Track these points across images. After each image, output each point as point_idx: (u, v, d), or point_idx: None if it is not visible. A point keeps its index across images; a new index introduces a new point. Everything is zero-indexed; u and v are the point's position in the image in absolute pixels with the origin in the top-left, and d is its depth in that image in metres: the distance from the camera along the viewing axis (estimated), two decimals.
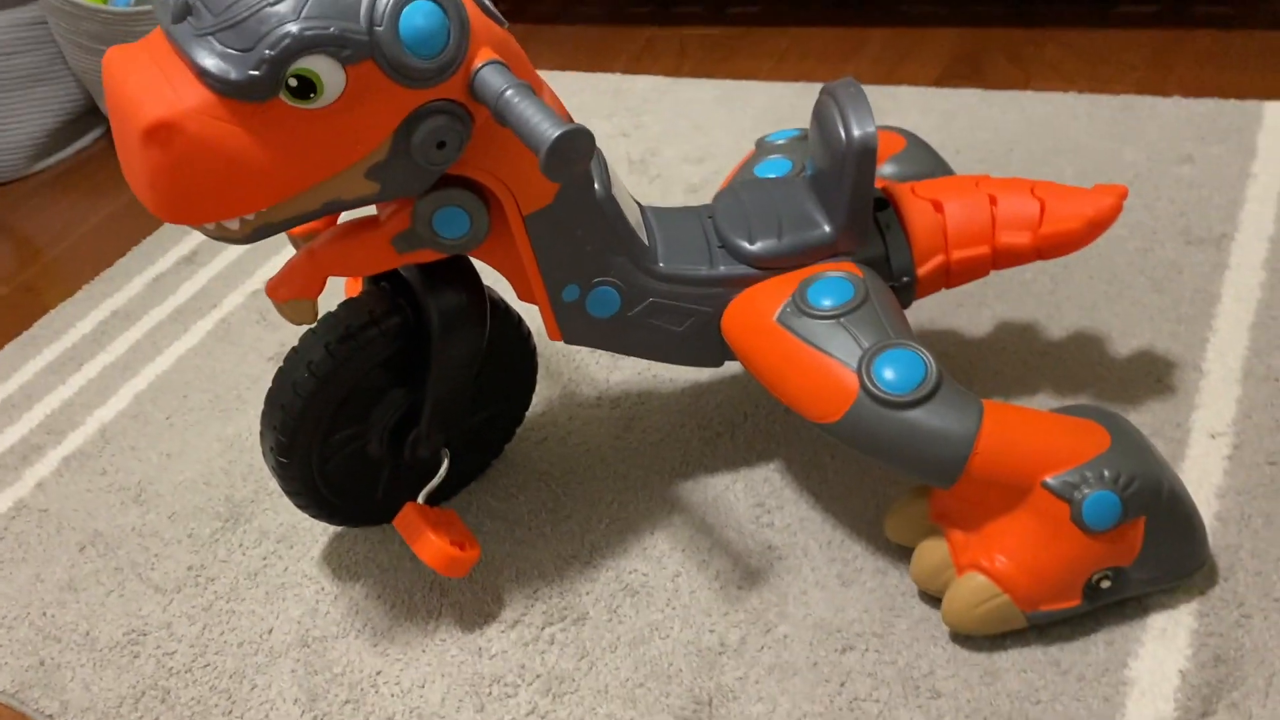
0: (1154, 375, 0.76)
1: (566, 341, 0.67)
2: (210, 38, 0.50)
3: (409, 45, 0.51)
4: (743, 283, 0.67)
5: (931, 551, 0.63)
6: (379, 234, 0.60)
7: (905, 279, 0.69)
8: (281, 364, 0.68)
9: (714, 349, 0.69)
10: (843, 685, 0.62)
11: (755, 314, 0.65)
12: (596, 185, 0.63)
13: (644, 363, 0.87)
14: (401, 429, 0.71)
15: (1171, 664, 0.59)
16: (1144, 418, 0.73)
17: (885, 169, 0.82)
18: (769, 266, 0.67)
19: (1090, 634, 0.61)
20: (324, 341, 0.66)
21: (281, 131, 0.51)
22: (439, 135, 0.54)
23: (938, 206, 0.69)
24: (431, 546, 0.66)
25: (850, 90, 0.65)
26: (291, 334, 0.98)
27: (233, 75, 0.49)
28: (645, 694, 0.64)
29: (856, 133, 0.63)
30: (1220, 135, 0.96)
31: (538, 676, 0.66)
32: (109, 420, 0.92)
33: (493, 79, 0.53)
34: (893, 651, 0.63)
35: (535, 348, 0.76)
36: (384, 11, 0.50)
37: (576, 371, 0.87)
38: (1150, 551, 0.59)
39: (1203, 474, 0.69)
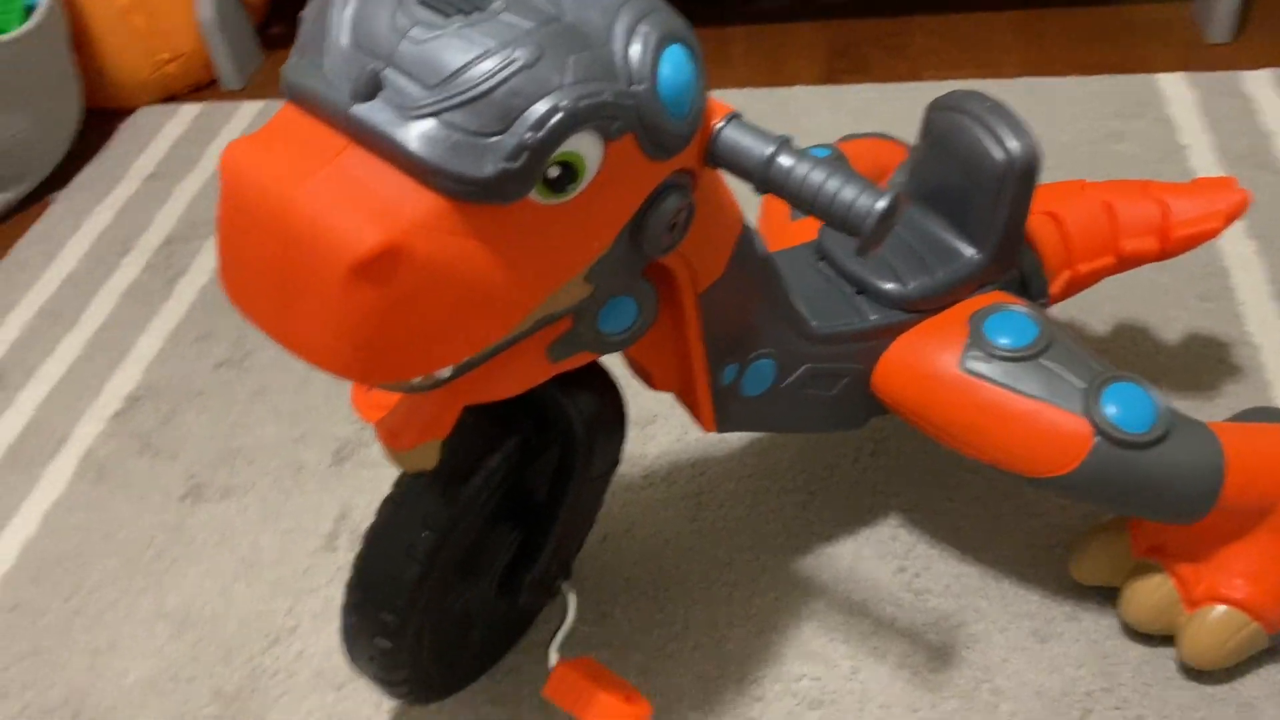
0: (1215, 356, 0.76)
1: (720, 431, 0.56)
2: (430, 119, 0.35)
3: (668, 104, 0.38)
4: (895, 331, 0.59)
5: (1154, 589, 0.58)
6: (533, 342, 0.46)
7: (1041, 300, 0.63)
8: (373, 526, 0.52)
9: (861, 409, 0.61)
10: None
11: (929, 365, 0.57)
12: (756, 242, 0.52)
13: (681, 427, 0.76)
14: (512, 570, 0.57)
15: None
16: (1232, 402, 0.72)
17: (896, 178, 0.77)
18: (920, 309, 0.59)
19: None
20: (440, 485, 0.51)
21: (524, 238, 0.37)
22: (674, 216, 0.42)
23: (1056, 219, 0.64)
24: (610, 712, 0.53)
25: (986, 103, 0.59)
26: (212, 457, 0.78)
27: (483, 170, 0.35)
28: None
29: (1017, 149, 0.56)
30: (1134, 110, 0.99)
31: None
32: None
33: (749, 142, 0.42)
34: (1134, 706, 0.58)
35: None
36: (642, 63, 0.37)
37: None
38: None
39: None
